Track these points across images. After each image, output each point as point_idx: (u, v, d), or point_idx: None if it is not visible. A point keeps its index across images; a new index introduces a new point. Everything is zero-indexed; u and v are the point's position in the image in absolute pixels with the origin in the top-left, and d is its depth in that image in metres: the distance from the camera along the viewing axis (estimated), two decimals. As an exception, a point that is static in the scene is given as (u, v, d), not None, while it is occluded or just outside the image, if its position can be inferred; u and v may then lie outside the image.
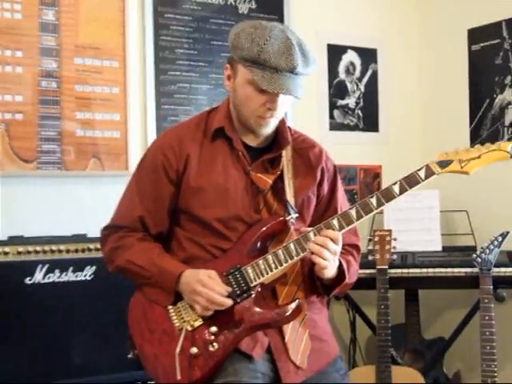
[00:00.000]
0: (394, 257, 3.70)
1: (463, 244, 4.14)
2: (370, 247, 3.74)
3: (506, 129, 4.30)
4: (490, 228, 3.95)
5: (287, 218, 2.45)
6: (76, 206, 3.66)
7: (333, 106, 4.47)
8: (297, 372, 2.42)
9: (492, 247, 3.57)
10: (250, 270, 2.37)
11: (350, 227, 2.38)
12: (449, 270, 3.78)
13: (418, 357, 4.03)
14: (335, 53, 4.48)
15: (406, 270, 3.80)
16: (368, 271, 3.70)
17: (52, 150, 3.62)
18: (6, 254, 3.18)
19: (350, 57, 4.53)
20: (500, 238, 3.62)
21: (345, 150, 4.25)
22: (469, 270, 3.67)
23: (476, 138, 4.41)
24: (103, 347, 3.29)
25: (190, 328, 2.35)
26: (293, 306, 2.37)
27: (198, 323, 2.36)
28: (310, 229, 2.38)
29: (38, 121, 3.59)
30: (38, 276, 3.24)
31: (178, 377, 2.30)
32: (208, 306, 2.31)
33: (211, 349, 2.33)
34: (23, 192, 3.60)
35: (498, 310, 3.61)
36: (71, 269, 3.30)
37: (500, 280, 3.65)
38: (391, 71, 4.67)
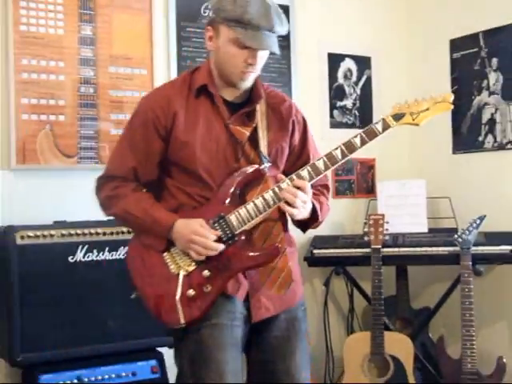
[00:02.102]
0: (387, 238, 3.73)
1: (446, 226, 4.13)
2: (366, 229, 3.77)
3: (483, 126, 4.27)
4: (469, 212, 3.96)
5: (261, 167, 2.37)
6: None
7: (333, 107, 4.46)
8: (268, 309, 2.40)
9: (471, 229, 3.61)
10: (233, 219, 2.32)
11: (318, 177, 2.34)
12: (434, 248, 3.81)
13: (407, 324, 4.05)
14: (335, 60, 4.46)
15: (396, 249, 3.83)
16: (364, 250, 3.76)
17: (90, 147, 3.63)
18: (51, 236, 3.20)
19: (348, 64, 4.51)
20: (478, 221, 3.65)
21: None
22: (451, 248, 3.69)
23: (457, 134, 4.41)
24: (133, 316, 3.21)
25: (185, 273, 2.31)
26: (274, 248, 2.35)
27: (192, 267, 2.32)
28: (284, 179, 2.32)
29: (77, 121, 3.59)
30: (80, 255, 3.25)
31: (182, 320, 2.29)
32: (203, 252, 2.28)
33: (206, 290, 2.30)
34: (66, 183, 3.61)
35: (476, 283, 3.62)
36: (107, 249, 3.31)
37: (478, 257, 3.66)
38: (383, 76, 4.64)
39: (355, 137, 2.31)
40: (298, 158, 2.56)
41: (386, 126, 2.32)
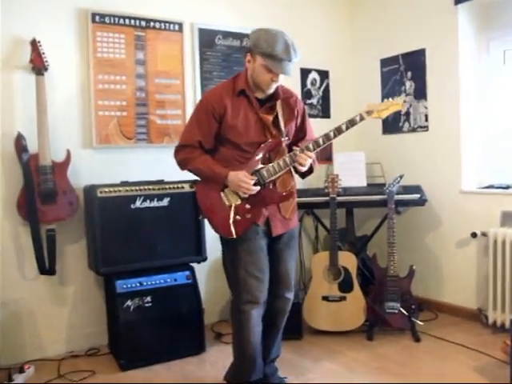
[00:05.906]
0: (340, 190, 3.63)
1: (378, 182, 4.08)
2: (326, 184, 3.64)
3: (402, 116, 4.21)
4: (393, 173, 3.96)
5: (282, 139, 2.45)
6: (158, 165, 3.53)
7: (304, 104, 4.05)
8: (281, 227, 2.51)
9: (394, 184, 3.58)
10: (264, 172, 2.39)
11: (319, 149, 2.39)
12: (370, 197, 3.74)
13: (352, 246, 4.02)
14: (305, 73, 4.38)
15: (346, 197, 3.74)
16: (325, 198, 3.66)
17: (143, 132, 3.58)
18: (119, 191, 3.18)
19: (313, 75, 4.43)
20: (398, 179, 3.64)
21: (312, 127, 4.00)
22: (381, 196, 3.63)
23: (385, 121, 4.24)
24: (173, 242, 3.28)
25: (235, 205, 2.40)
26: (289, 191, 2.45)
27: (239, 202, 2.40)
28: (298, 148, 2.39)
29: (135, 115, 3.55)
30: (138, 203, 3.22)
31: (234, 235, 2.38)
32: (247, 192, 2.36)
33: (247, 216, 2.39)
34: (127, 156, 3.52)
35: (397, 218, 3.65)
36: (156, 199, 3.27)
37: (399, 202, 3.65)
38: (337, 83, 4.55)
39: (342, 124, 2.36)
40: (299, 133, 2.61)
41: (361, 118, 2.36)
